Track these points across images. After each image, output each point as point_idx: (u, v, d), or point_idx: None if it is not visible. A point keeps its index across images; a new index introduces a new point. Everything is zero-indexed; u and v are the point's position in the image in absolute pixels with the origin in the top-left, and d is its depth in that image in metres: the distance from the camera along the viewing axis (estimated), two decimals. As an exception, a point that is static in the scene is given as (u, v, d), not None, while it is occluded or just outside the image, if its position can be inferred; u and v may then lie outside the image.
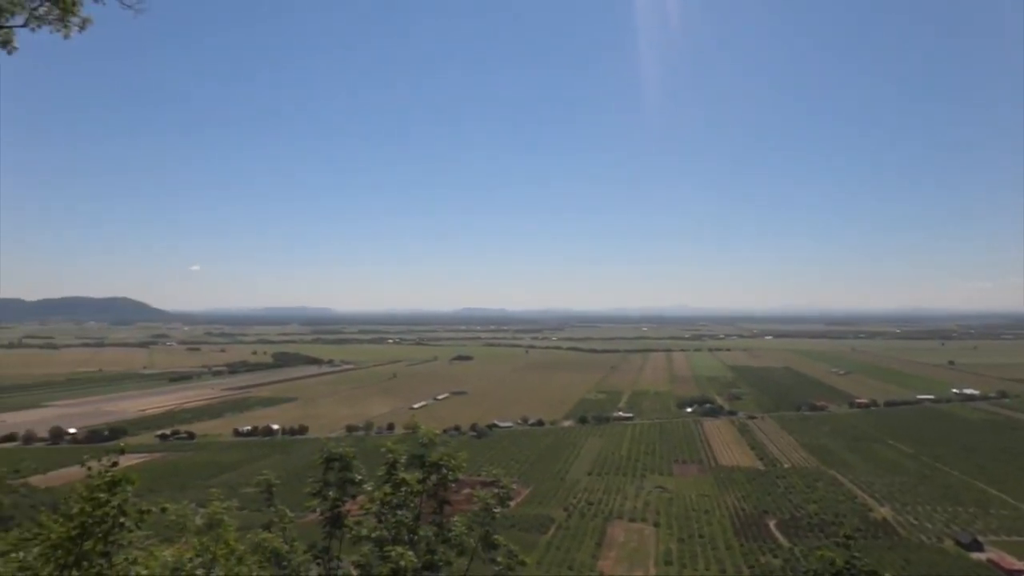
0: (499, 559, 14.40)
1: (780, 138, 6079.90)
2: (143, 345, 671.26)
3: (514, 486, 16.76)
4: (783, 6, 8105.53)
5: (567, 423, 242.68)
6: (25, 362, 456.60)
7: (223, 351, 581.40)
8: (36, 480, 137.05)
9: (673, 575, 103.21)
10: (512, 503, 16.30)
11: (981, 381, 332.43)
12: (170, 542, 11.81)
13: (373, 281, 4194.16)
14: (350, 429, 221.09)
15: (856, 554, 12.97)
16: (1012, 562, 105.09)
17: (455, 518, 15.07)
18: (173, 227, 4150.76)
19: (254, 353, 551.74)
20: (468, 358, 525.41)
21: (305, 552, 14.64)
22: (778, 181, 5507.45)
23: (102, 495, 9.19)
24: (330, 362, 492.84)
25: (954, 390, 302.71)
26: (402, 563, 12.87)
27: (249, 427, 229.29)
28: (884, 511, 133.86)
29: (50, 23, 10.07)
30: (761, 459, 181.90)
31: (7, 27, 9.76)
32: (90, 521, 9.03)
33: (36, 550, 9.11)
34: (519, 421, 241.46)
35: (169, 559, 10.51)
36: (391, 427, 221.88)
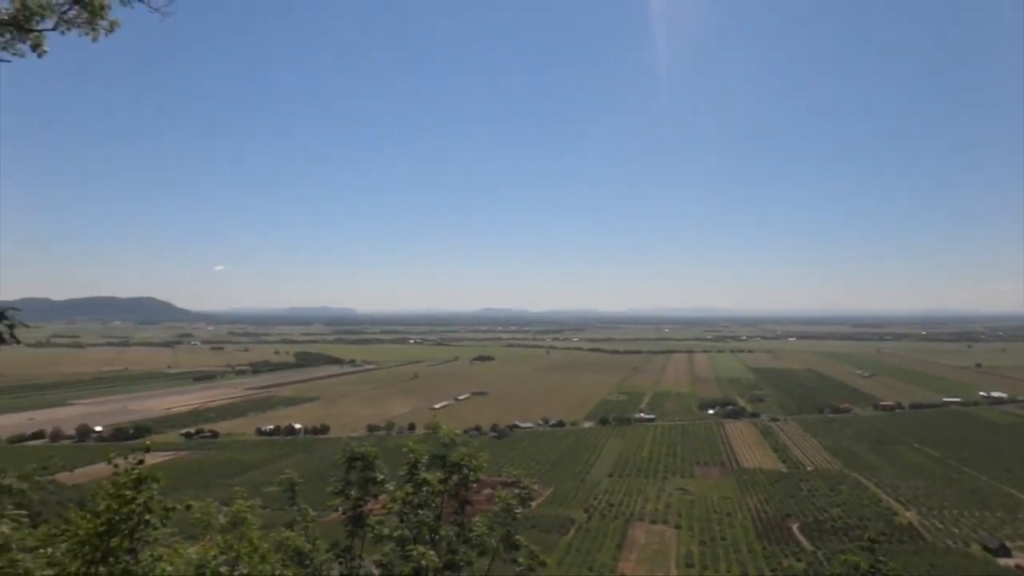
0: (520, 559, 14.32)
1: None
2: (168, 345, 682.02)
3: (535, 487, 16.68)
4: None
5: (588, 424, 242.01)
6: (52, 361, 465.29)
7: (246, 351, 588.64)
8: (63, 477, 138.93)
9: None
10: (533, 504, 16.29)
11: (1009, 384, 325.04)
12: (194, 539, 11.88)
13: (395, 282, 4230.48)
14: (371, 429, 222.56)
15: (881, 558, 12.79)
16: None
17: (476, 518, 15.02)
18: (198, 228, 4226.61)
19: (276, 353, 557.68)
20: (489, 358, 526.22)
21: (327, 551, 14.66)
22: (809, 183, 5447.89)
23: (128, 492, 9.25)
24: (352, 362, 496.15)
25: (981, 393, 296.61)
26: (423, 562, 12.88)
27: (272, 426, 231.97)
28: (910, 515, 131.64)
29: (79, 26, 10.13)
30: (784, 461, 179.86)
31: (37, 31, 9.88)
32: (116, 518, 9.10)
33: (64, 546, 9.20)
34: (540, 422, 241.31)
35: (194, 556, 10.57)
36: (412, 427, 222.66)
